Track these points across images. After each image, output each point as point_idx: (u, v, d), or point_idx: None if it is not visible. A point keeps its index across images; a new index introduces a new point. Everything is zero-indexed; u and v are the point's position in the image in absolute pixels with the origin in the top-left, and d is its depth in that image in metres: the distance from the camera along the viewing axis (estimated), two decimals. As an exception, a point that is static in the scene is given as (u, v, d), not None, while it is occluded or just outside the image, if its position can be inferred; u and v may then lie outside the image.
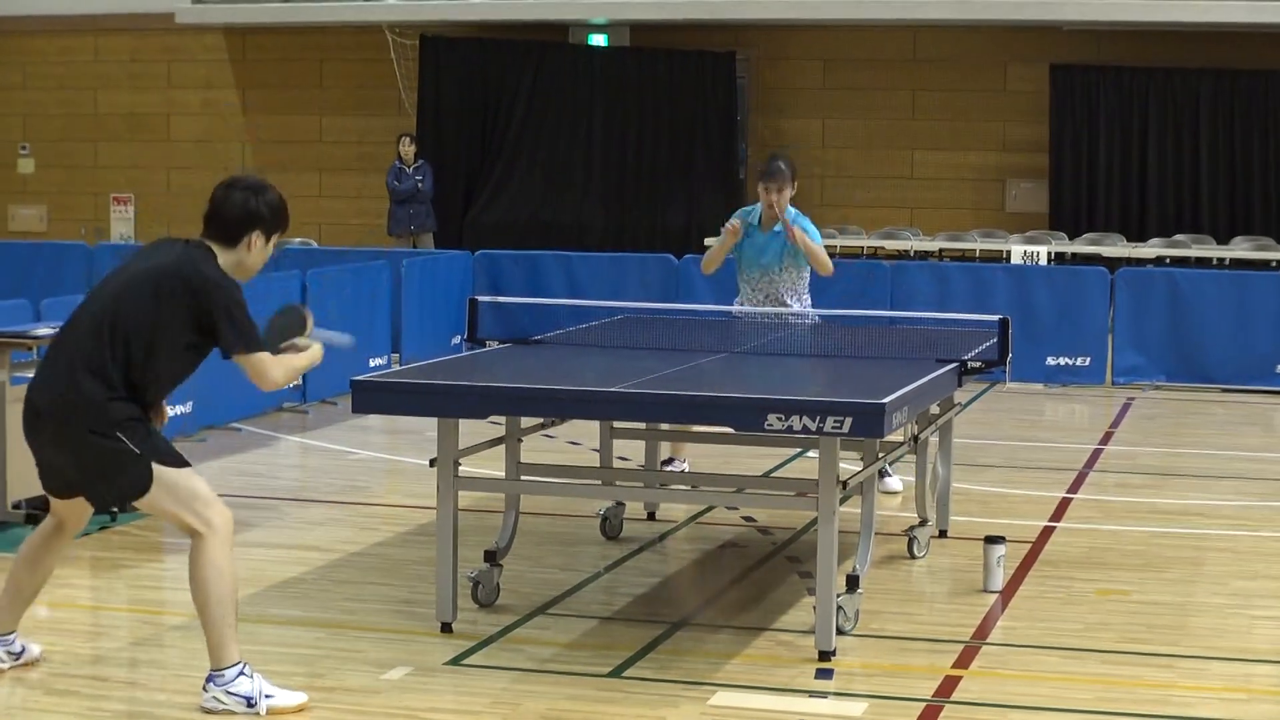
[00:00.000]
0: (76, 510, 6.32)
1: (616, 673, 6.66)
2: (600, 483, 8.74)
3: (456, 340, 15.54)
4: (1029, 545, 8.87)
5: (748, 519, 9.33)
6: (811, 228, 9.85)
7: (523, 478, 7.93)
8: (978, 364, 8.09)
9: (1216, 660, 6.96)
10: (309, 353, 6.39)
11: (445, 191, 22.11)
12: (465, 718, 6.13)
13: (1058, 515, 9.70)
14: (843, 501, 6.94)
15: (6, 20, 25.04)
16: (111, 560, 8.44)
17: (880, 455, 7.74)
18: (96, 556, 8.49)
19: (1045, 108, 22.16)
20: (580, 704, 6.27)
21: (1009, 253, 19.70)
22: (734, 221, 9.87)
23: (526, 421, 8.03)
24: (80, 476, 6.07)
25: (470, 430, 7.41)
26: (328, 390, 13.28)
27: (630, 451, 9.91)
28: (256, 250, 6.19)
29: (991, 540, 7.98)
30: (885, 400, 6.50)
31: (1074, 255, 20.24)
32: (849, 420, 6.39)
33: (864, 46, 22.86)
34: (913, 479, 9.07)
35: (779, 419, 6.45)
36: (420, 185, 20.77)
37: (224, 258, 6.13)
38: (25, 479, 8.59)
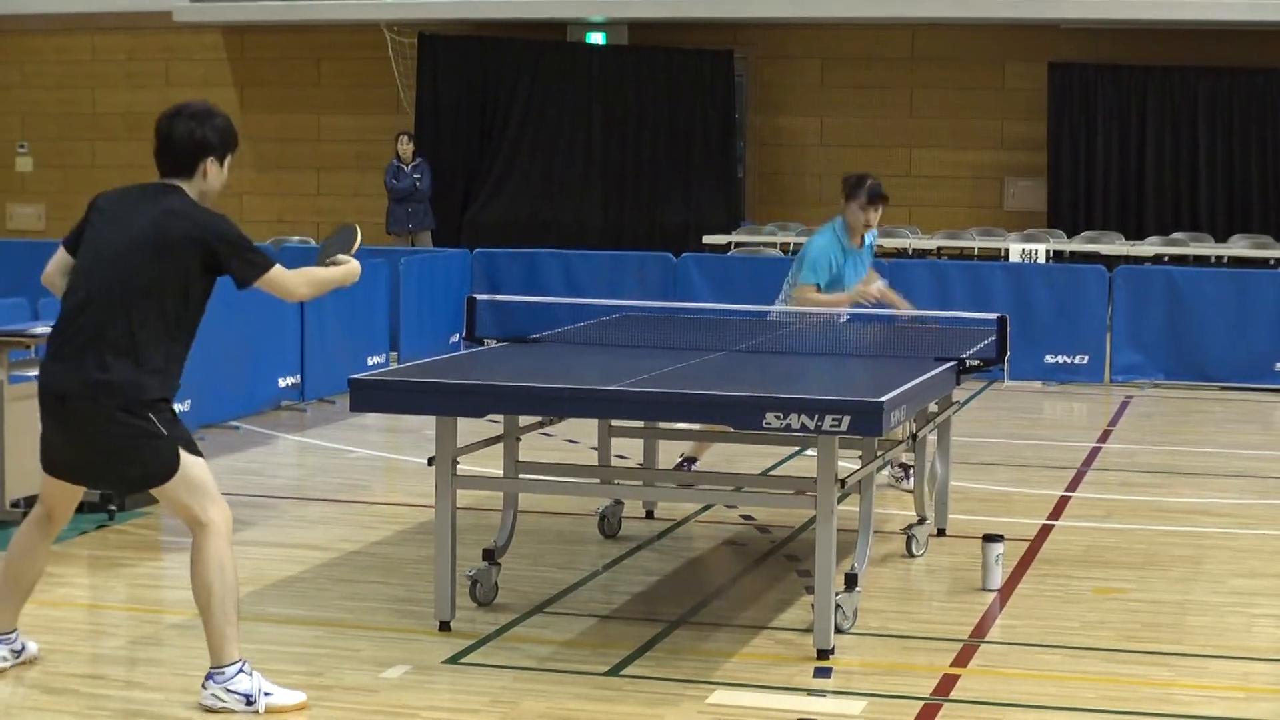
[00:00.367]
0: (66, 498, 6.24)
1: (615, 671, 6.65)
2: (598, 481, 8.74)
3: (455, 339, 15.53)
4: (1027, 543, 8.86)
5: (746, 517, 9.32)
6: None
7: (521, 476, 7.93)
8: (976, 362, 8.09)
9: (1215, 658, 6.95)
10: (344, 268, 6.33)
11: (443, 190, 22.09)
12: (464, 716, 6.13)
13: (1056, 513, 9.69)
14: (841, 500, 6.94)
15: (5, 19, 25.03)
16: (110, 559, 8.43)
17: (879, 454, 7.75)
18: (95, 555, 8.48)
19: (1043, 106, 22.17)
20: (579, 702, 6.26)
21: (1007, 251, 19.72)
22: (873, 289, 9.81)
23: (525, 420, 8.03)
24: (104, 459, 5.97)
25: (469, 429, 7.41)
26: (326, 389, 13.28)
27: (629, 450, 9.91)
28: (213, 176, 6.12)
29: (990, 539, 7.98)
30: (883, 399, 6.50)
31: (1072, 253, 20.21)
32: (847, 418, 6.39)
33: (862, 45, 22.86)
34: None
35: (777, 417, 6.45)
36: (418, 184, 20.76)
37: (188, 191, 6.06)
38: (24, 478, 8.60)
